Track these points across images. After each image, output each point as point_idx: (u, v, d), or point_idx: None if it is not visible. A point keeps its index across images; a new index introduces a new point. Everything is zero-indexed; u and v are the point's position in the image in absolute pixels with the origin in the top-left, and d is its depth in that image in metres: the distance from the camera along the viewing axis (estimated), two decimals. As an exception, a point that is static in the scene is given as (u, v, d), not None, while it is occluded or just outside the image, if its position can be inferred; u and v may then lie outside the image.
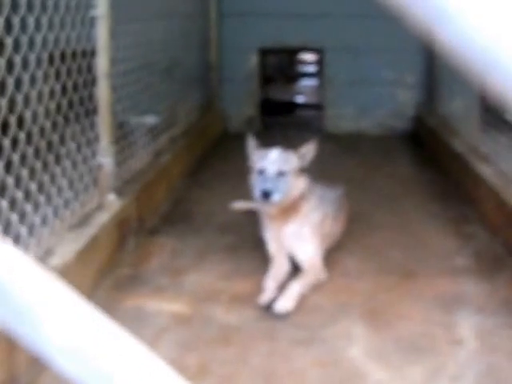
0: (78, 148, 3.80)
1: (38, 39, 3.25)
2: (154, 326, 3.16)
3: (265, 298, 3.40)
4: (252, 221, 4.45)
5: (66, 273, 3.02)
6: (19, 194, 2.97)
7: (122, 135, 4.34)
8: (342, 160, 6.62)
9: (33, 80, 3.27)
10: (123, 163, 4.31)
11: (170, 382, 0.57)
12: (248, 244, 4.22)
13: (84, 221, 3.63)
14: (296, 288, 3.46)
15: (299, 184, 3.71)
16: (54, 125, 3.54)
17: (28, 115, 3.23)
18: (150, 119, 5.23)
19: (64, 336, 0.57)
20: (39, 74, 3.37)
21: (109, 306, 3.28)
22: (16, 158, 2.96)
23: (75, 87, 3.72)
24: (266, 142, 3.92)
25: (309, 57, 12.54)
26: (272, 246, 3.84)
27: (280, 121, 8.65)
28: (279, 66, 11.69)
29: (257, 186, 3.62)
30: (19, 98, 3.06)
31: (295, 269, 3.74)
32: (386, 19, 7.76)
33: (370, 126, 8.07)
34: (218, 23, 7.80)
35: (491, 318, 3.25)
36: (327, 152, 6.47)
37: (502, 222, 4.20)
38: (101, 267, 3.60)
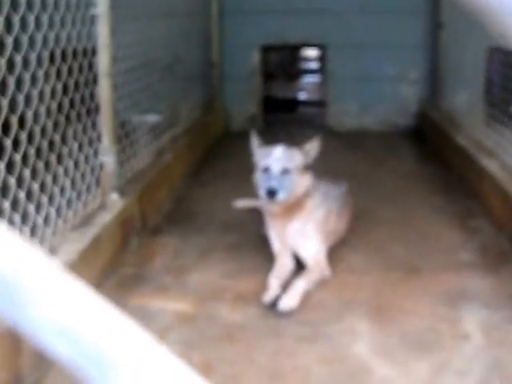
0: (80, 147, 3.79)
1: (39, 38, 3.23)
2: (158, 324, 3.15)
3: (269, 295, 3.39)
4: (255, 219, 4.44)
5: (69, 273, 3.00)
6: (21, 195, 2.96)
7: (124, 134, 4.33)
8: (345, 156, 6.60)
9: (34, 79, 3.26)
10: (125, 162, 4.30)
11: (164, 361, 0.56)
12: (251, 242, 4.20)
13: (87, 220, 3.62)
14: (300, 285, 3.45)
15: (303, 181, 3.69)
16: (56, 124, 3.53)
17: (29, 115, 3.21)
18: (152, 118, 5.21)
19: (54, 316, 0.55)
20: (40, 73, 3.36)
21: (112, 305, 3.26)
22: (18, 158, 2.95)
23: (76, 86, 3.71)
24: (269, 139, 3.91)
25: (311, 53, 12.51)
26: (276, 244, 3.83)
27: (282, 118, 8.63)
28: (281, 63, 11.67)
29: (262, 184, 3.60)
30: (20, 98, 3.05)
31: (299, 266, 3.73)
32: (388, 15, 7.78)
33: (373, 122, 8.05)
34: (220, 20, 7.78)
35: (497, 312, 3.24)
36: (330, 149, 6.45)
37: (507, 216, 4.18)
38: (104, 267, 3.59)
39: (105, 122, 3.91)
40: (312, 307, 3.34)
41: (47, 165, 3.36)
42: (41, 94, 3.38)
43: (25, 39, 3.07)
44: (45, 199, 3.22)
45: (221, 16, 7.81)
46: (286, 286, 3.49)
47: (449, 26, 6.93)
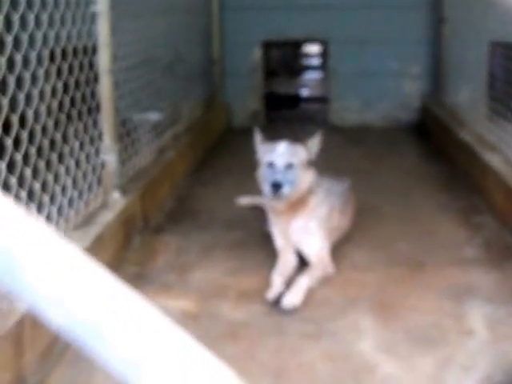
0: (81, 146, 3.78)
1: (39, 36, 3.22)
2: (162, 323, 3.13)
3: (272, 293, 3.38)
4: (258, 216, 4.43)
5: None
6: (23, 194, 2.95)
7: (126, 132, 4.32)
8: (347, 152, 6.59)
9: (34, 78, 3.25)
10: (127, 161, 4.29)
11: (160, 327, 0.55)
12: (254, 239, 4.19)
13: (89, 220, 3.61)
14: (304, 282, 3.44)
15: (307, 177, 3.68)
16: (57, 123, 3.52)
17: (30, 114, 3.20)
18: (153, 116, 5.20)
19: (50, 284, 0.54)
20: (40, 72, 3.35)
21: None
22: (19, 157, 2.94)
23: (77, 84, 3.70)
24: (271, 135, 3.89)
25: (313, 49, 12.49)
26: (279, 241, 3.82)
27: (284, 114, 8.61)
28: (283, 59, 11.65)
29: (266, 179, 3.59)
30: (21, 97, 3.04)
31: (302, 263, 3.72)
32: (390, 10, 7.76)
33: (376, 118, 8.03)
34: (221, 17, 7.76)
35: (501, 307, 3.22)
36: (333, 145, 6.44)
37: (511, 212, 4.17)
38: (106, 266, 3.53)
39: (106, 120, 3.90)
40: (316, 304, 3.33)
41: (48, 164, 3.35)
42: (41, 93, 3.37)
43: (25, 38, 3.06)
44: (46, 199, 3.21)
45: (222, 12, 7.79)
46: (289, 283, 3.48)
47: (451, 20, 6.91)
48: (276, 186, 3.51)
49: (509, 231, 4.15)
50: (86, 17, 3.74)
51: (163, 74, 5.47)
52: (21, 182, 2.95)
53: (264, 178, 3.63)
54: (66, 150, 3.60)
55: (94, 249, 3.39)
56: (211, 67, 7.56)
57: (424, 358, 2.79)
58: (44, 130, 3.32)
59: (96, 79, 3.86)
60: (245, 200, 4.87)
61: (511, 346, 2.89)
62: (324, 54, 9.35)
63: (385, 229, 4.36)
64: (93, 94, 3.86)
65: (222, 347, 2.93)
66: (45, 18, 3.24)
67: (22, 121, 3.06)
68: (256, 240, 4.17)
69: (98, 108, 3.88)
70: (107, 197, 3.91)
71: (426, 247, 4.03)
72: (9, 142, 2.85)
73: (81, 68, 3.73)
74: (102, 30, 3.81)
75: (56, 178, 3.41)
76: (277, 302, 3.31)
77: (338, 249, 3.93)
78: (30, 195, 3.05)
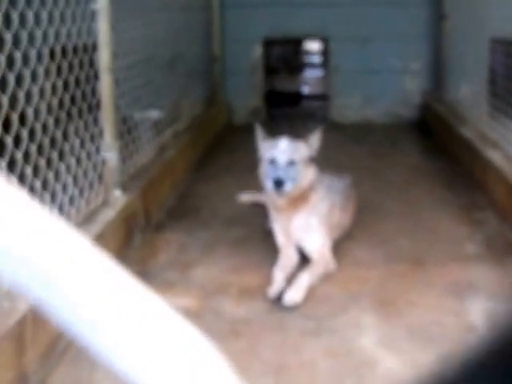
0: (82, 144, 3.78)
1: (38, 34, 3.22)
2: (163, 320, 3.13)
3: (274, 289, 3.38)
4: (259, 213, 4.43)
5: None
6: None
7: (126, 130, 4.32)
8: (348, 149, 6.59)
9: (34, 76, 3.25)
10: (128, 158, 4.29)
11: (166, 322, 0.54)
12: (255, 236, 4.19)
13: (90, 218, 3.61)
14: (305, 279, 3.44)
15: (309, 174, 3.68)
16: (57, 121, 3.51)
17: (30, 112, 3.20)
18: (154, 113, 5.20)
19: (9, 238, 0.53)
20: (40, 70, 3.34)
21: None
22: (19, 155, 2.94)
23: (77, 82, 3.70)
24: (273, 133, 3.89)
25: (313, 47, 12.48)
26: (280, 238, 3.82)
27: (286, 112, 8.61)
28: (284, 56, 11.64)
29: (268, 175, 3.59)
30: (21, 95, 3.03)
31: (304, 260, 3.71)
32: (391, 6, 7.75)
33: (377, 114, 8.02)
34: (221, 14, 7.76)
35: (503, 304, 3.22)
36: (334, 142, 6.44)
37: (513, 208, 4.17)
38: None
39: (106, 118, 3.90)
40: (317, 301, 3.33)
41: (49, 162, 3.35)
42: (41, 91, 3.37)
43: (24, 36, 3.06)
44: (47, 197, 3.21)
45: (222, 10, 7.78)
46: (290, 280, 3.48)
47: (452, 17, 6.90)
48: (278, 183, 3.51)
49: (510, 227, 4.15)
50: (85, 14, 3.74)
51: (164, 71, 5.46)
52: (21, 180, 2.95)
53: (266, 174, 3.63)
54: (67, 147, 3.60)
55: (96, 247, 3.39)
56: (212, 65, 7.56)
57: (425, 355, 2.79)
58: (44, 127, 3.32)
59: (96, 77, 3.85)
60: (246, 197, 4.87)
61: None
62: (325, 52, 9.34)
63: (386, 225, 4.35)
64: (93, 92, 3.85)
65: (224, 344, 2.91)
66: (44, 15, 3.24)
67: (23, 119, 3.06)
68: (257, 237, 4.17)
69: (98, 106, 3.88)
70: (108, 195, 3.90)
71: (427, 243, 4.03)
72: (9, 140, 2.85)
73: (81, 66, 3.73)
74: (102, 28, 3.81)
75: (57, 176, 3.41)
76: (278, 299, 3.31)
77: (340, 245, 3.93)
78: (31, 193, 3.05)
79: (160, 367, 0.53)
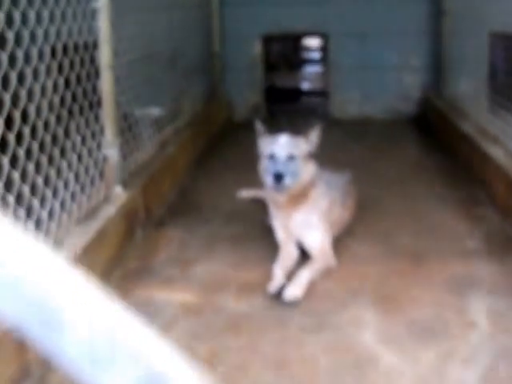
0: (83, 141, 3.79)
1: (40, 32, 3.23)
2: (165, 316, 3.16)
3: (274, 285, 3.40)
4: (259, 209, 4.44)
5: (75, 266, 3.01)
6: (25, 189, 2.97)
7: (127, 127, 4.34)
8: (348, 145, 6.60)
9: (35, 74, 3.26)
10: (129, 155, 4.30)
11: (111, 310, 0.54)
12: (256, 232, 4.21)
13: (91, 214, 3.62)
14: (305, 275, 3.45)
15: (308, 169, 3.70)
16: (59, 118, 3.53)
17: (32, 109, 3.22)
18: (155, 110, 5.21)
19: None
20: (42, 68, 3.36)
21: (119, 298, 3.27)
22: (21, 152, 2.96)
23: (78, 80, 3.71)
24: (272, 129, 3.90)
25: (313, 43, 12.48)
26: (280, 234, 3.83)
27: (285, 108, 8.61)
28: (283, 52, 11.65)
29: (268, 170, 3.60)
30: (22, 93, 3.05)
31: (304, 256, 3.73)
32: (390, 2, 7.75)
33: (376, 110, 8.03)
34: (221, 11, 7.76)
35: (504, 300, 3.23)
36: (333, 138, 6.45)
37: (512, 203, 4.18)
38: (109, 260, 3.59)
39: (107, 115, 3.91)
40: (317, 297, 3.35)
41: (51, 159, 3.37)
42: (43, 89, 3.39)
43: (26, 34, 3.07)
44: (49, 193, 3.22)
45: (222, 7, 7.78)
46: (290, 276, 3.49)
47: (451, 12, 6.91)
48: (278, 177, 3.52)
49: (510, 223, 4.16)
50: (86, 13, 3.75)
51: (164, 68, 5.47)
52: (23, 176, 2.97)
53: (266, 169, 3.64)
54: (68, 144, 3.62)
55: (97, 243, 3.41)
56: (212, 61, 7.57)
57: (426, 351, 2.80)
58: (46, 125, 3.34)
59: (97, 74, 3.87)
60: (246, 193, 4.88)
61: (513, 337, 2.91)
62: (324, 48, 9.35)
63: (386, 221, 4.37)
64: (94, 89, 3.87)
65: (225, 340, 2.95)
66: (46, 14, 3.25)
67: (24, 116, 3.07)
68: (257, 233, 4.18)
69: (99, 103, 3.89)
70: (109, 191, 3.92)
71: (427, 239, 4.04)
72: (11, 137, 2.87)
73: (82, 63, 3.74)
74: (103, 26, 3.82)
75: (58, 173, 3.42)
76: (278, 295, 3.32)
77: (340, 241, 3.94)
78: (33, 190, 3.06)
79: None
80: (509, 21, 4.77)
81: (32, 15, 3.10)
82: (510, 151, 4.55)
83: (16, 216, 2.86)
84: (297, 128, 3.89)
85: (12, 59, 2.90)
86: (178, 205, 4.87)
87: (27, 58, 3.13)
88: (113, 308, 0.54)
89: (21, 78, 3.00)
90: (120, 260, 3.75)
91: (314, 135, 3.73)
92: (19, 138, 2.97)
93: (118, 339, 0.52)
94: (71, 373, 0.53)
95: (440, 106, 6.98)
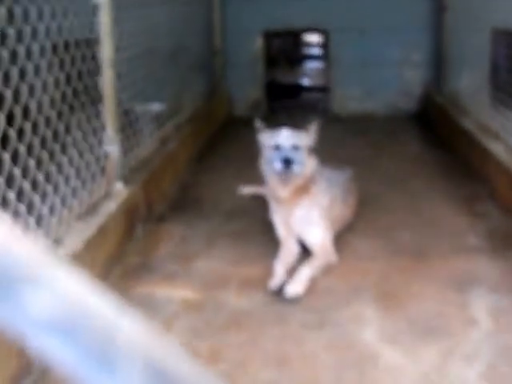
0: (84, 137, 3.79)
1: (41, 29, 3.23)
2: (165, 312, 3.16)
3: (275, 282, 3.39)
4: (260, 205, 4.44)
5: (75, 262, 3.02)
6: (26, 185, 2.97)
7: (128, 123, 4.33)
8: (349, 141, 6.59)
9: (37, 70, 3.26)
10: (129, 151, 4.30)
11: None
12: (256, 229, 4.20)
13: (92, 210, 3.62)
14: (306, 271, 3.45)
15: (310, 163, 3.71)
16: (60, 114, 3.53)
17: (33, 105, 3.21)
18: (155, 106, 5.21)
19: None
20: (43, 64, 3.35)
21: (119, 294, 3.27)
22: (22, 148, 2.96)
23: (79, 76, 3.71)
24: (273, 125, 3.90)
25: (313, 39, 12.47)
26: (281, 230, 3.83)
27: (286, 104, 8.61)
28: (284, 48, 11.63)
29: (274, 158, 3.60)
30: (24, 88, 3.05)
31: (305, 252, 3.73)
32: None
33: (377, 106, 8.02)
34: (222, 7, 7.75)
35: (505, 296, 3.23)
36: (334, 134, 6.44)
37: (514, 200, 4.18)
38: (110, 256, 3.59)
39: (108, 111, 3.91)
40: (318, 293, 3.34)
41: (52, 155, 3.37)
42: (44, 85, 3.38)
43: (27, 30, 3.07)
44: (50, 189, 3.22)
45: (223, 2, 7.77)
46: (291, 272, 3.49)
47: (452, 8, 6.89)
48: (287, 162, 3.53)
49: (511, 219, 4.15)
50: (87, 9, 3.74)
51: (165, 64, 5.47)
52: (24, 172, 2.96)
53: (271, 159, 3.63)
54: (69, 140, 3.62)
55: (98, 239, 3.41)
56: (212, 57, 7.56)
57: (427, 348, 2.80)
58: (47, 121, 3.33)
59: (98, 70, 3.86)
60: (247, 189, 4.88)
61: (514, 334, 2.91)
62: (325, 43, 9.33)
63: (387, 218, 4.36)
64: (95, 85, 3.86)
65: (225, 336, 2.95)
66: (47, 10, 3.25)
67: (26, 112, 3.07)
68: (258, 229, 4.18)
69: (100, 99, 3.89)
70: (110, 187, 3.92)
71: (428, 236, 4.04)
72: (12, 132, 2.86)
73: (83, 59, 3.74)
74: (104, 22, 3.81)
75: (59, 169, 3.42)
76: (279, 292, 3.32)
77: (341, 238, 3.94)
78: (34, 186, 3.06)
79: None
80: (511, 17, 4.76)
81: (34, 11, 3.09)
82: (511, 147, 4.55)
83: (17, 212, 2.86)
84: (297, 124, 3.88)
85: (13, 55, 2.90)
86: (178, 201, 4.87)
87: (29, 54, 3.12)
88: (108, 302, 0.53)
89: (22, 74, 3.00)
90: (121, 256, 3.75)
91: (313, 130, 3.75)
92: (20, 133, 2.97)
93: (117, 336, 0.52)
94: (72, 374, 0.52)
95: (441, 102, 6.97)
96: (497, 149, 4.72)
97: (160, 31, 5.32)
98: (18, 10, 2.95)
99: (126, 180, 4.08)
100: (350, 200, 4.17)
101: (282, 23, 7.98)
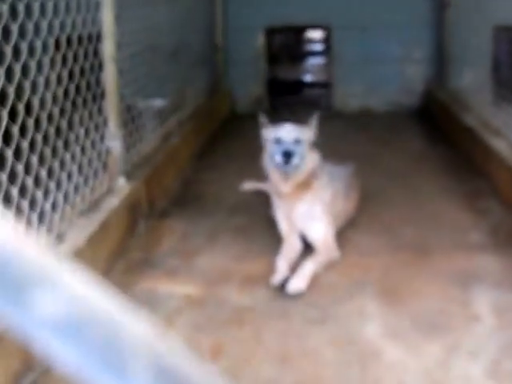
0: (87, 133, 3.79)
1: (44, 25, 3.23)
2: (167, 308, 3.16)
3: (277, 277, 3.40)
4: (262, 201, 4.44)
5: (78, 258, 3.02)
6: (29, 181, 2.97)
7: (130, 119, 4.34)
8: (351, 137, 6.59)
9: (39, 66, 3.26)
10: (132, 147, 4.30)
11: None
12: (259, 224, 4.21)
13: (94, 206, 3.63)
14: (309, 267, 3.45)
15: (312, 158, 3.71)
16: (62, 110, 3.53)
17: (36, 101, 3.22)
18: (158, 102, 5.21)
19: None
20: (46, 60, 3.36)
21: (121, 290, 3.28)
22: (25, 144, 2.96)
23: (82, 72, 3.71)
24: (275, 121, 3.90)
25: (315, 35, 12.44)
26: (283, 226, 3.83)
27: (288, 100, 8.60)
28: (286, 45, 11.61)
29: (275, 152, 3.61)
30: (26, 85, 3.05)
31: (307, 248, 3.73)
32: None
33: (379, 102, 8.01)
34: (223, 4, 7.74)
35: (508, 292, 3.23)
36: (336, 130, 6.45)
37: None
38: (112, 252, 3.60)
39: (111, 107, 3.91)
40: (321, 289, 3.35)
41: (54, 151, 3.37)
42: (47, 81, 3.39)
43: (30, 26, 3.07)
44: (52, 185, 3.23)
45: (224, -1, 7.77)
46: (294, 268, 3.50)
47: (454, 4, 6.88)
48: (287, 155, 3.54)
49: (513, 216, 4.16)
50: (90, 5, 3.74)
51: (167, 60, 5.47)
52: (27, 168, 2.97)
53: (272, 152, 3.64)
54: (72, 136, 3.62)
55: (100, 235, 3.42)
56: (214, 54, 7.56)
57: (430, 344, 2.80)
58: (50, 117, 3.34)
59: (101, 67, 3.87)
60: (249, 185, 4.88)
61: (517, 331, 2.90)
62: (327, 40, 9.32)
63: (389, 213, 4.36)
64: (98, 82, 3.87)
65: (228, 332, 2.96)
66: (50, 6, 3.25)
67: (28, 108, 3.07)
68: (260, 225, 4.19)
69: (102, 95, 3.89)
70: (112, 183, 3.93)
71: (431, 232, 4.03)
72: (15, 129, 2.87)
73: (86, 56, 3.74)
74: (106, 18, 3.81)
75: (62, 165, 3.43)
76: (282, 287, 3.32)
77: (343, 233, 3.94)
78: (37, 182, 3.07)
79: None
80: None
81: (36, 7, 3.10)
82: (514, 144, 4.55)
83: (19, 208, 2.86)
84: (299, 120, 3.89)
85: (16, 51, 2.90)
86: (180, 196, 4.87)
87: (31, 50, 3.13)
88: (110, 300, 0.53)
89: (25, 70, 3.00)
90: (123, 252, 3.75)
91: (312, 125, 3.76)
92: (23, 130, 2.97)
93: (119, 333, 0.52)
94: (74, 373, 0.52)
95: (443, 98, 6.97)
96: (499, 145, 4.72)
97: (162, 28, 5.32)
98: (20, 6, 2.95)
99: (129, 176, 4.08)
100: (352, 195, 4.18)
101: (284, 20, 7.98)
